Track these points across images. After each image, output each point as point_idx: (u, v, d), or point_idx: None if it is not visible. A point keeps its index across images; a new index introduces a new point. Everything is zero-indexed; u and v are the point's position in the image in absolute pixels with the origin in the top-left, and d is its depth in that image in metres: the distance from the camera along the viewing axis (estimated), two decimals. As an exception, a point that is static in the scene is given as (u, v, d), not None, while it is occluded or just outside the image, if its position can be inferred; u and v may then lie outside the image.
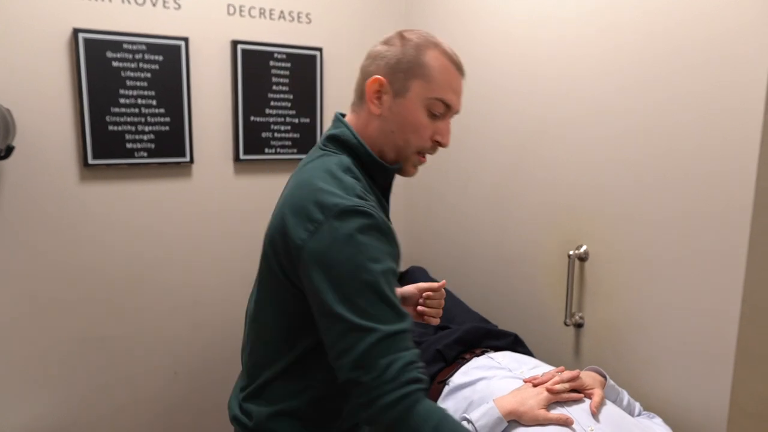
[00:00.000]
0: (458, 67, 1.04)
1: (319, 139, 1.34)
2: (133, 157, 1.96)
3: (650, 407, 1.46)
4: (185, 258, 2.09)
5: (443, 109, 1.02)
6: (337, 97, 2.32)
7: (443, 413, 0.87)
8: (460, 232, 2.21)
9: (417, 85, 0.98)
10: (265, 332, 1.05)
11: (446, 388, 1.45)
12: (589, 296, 1.67)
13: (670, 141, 1.41)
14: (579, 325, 1.70)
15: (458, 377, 1.44)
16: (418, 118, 1.00)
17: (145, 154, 1.98)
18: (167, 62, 1.96)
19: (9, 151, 1.68)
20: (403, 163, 1.05)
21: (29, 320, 1.85)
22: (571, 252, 1.66)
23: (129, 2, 1.89)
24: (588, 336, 1.69)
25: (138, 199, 2.00)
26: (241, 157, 2.14)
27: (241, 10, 2.08)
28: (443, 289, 1.26)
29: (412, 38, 1.00)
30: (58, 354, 1.92)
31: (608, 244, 1.60)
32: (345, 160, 0.99)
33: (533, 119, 1.83)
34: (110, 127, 1.91)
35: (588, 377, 1.31)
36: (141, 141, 1.97)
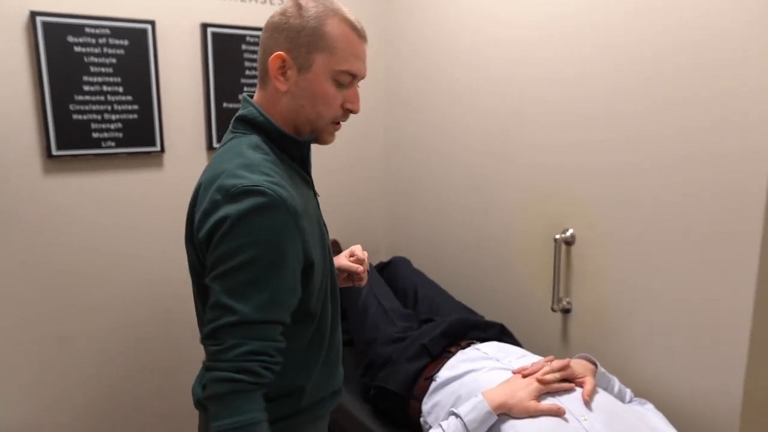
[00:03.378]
0: (360, 34, 1.02)
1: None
2: (100, 147, 1.86)
3: (641, 393, 1.43)
4: (158, 252, 2.01)
5: (350, 79, 1.01)
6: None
7: (257, 420, 0.86)
8: (443, 221, 2.16)
9: (321, 58, 0.97)
10: None
11: (433, 384, 1.41)
12: (576, 281, 1.64)
13: (663, 118, 1.37)
14: (567, 311, 1.67)
15: (445, 372, 1.40)
16: (326, 90, 0.98)
17: (113, 144, 1.88)
18: (133, 47, 1.86)
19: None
20: (319, 133, 1.04)
21: (-6, 321, 1.76)
22: (557, 236, 1.62)
23: (90, -17, 1.78)
24: (576, 321, 1.66)
25: (106, 191, 1.91)
26: (215, 145, 2.06)
27: (211, -11, 1.99)
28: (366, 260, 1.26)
29: (310, 7, 0.97)
30: (27, 354, 1.83)
31: (595, 227, 1.56)
32: (254, 139, 0.98)
33: (515, 101, 1.77)
34: (74, 116, 1.81)
35: (578, 365, 1.28)
36: (108, 130, 1.87)
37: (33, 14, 1.70)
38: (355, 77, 1.01)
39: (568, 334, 1.69)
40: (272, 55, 0.96)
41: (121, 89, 1.87)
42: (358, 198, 2.45)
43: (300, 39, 0.96)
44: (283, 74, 0.97)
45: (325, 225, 1.09)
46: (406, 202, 2.37)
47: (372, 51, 2.34)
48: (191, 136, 2.03)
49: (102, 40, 1.81)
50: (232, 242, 0.86)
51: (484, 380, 1.28)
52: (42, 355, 1.85)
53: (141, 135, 1.92)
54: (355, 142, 2.38)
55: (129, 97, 1.88)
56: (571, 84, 1.58)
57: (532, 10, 1.67)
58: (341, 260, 1.23)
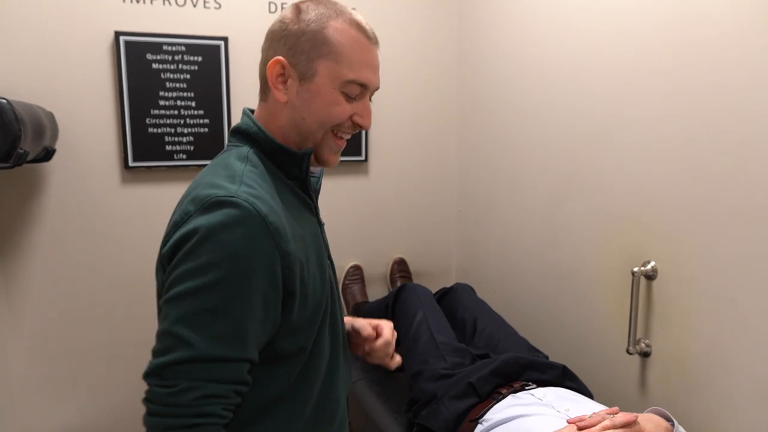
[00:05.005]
0: (370, 38, 0.89)
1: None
2: (172, 159, 1.93)
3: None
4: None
5: (359, 90, 0.88)
6: (385, 97, 2.20)
7: None
8: (511, 247, 2.01)
9: (324, 66, 0.85)
10: None
11: (479, 428, 1.27)
12: (657, 321, 1.44)
13: (757, 140, 1.16)
14: (645, 354, 1.47)
15: (492, 415, 1.26)
16: (332, 103, 0.87)
17: (184, 156, 1.94)
18: (206, 62, 1.92)
19: (49, 154, 1.68)
20: (318, 147, 0.91)
21: (66, 321, 1.85)
22: (635, 269, 1.43)
23: (169, 3, 1.86)
24: (655, 367, 1.45)
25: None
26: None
27: (283, 6, 2.01)
28: (389, 337, 1.08)
29: (310, 10, 0.87)
30: (92, 356, 1.91)
31: (681, 260, 1.36)
32: (244, 150, 0.88)
33: (593, 118, 1.61)
34: (150, 130, 1.89)
35: (649, 422, 1.09)
36: (180, 143, 1.93)
37: (117, 34, 1.79)
38: (365, 88, 0.89)
39: (645, 381, 1.48)
40: (270, 61, 0.86)
41: (193, 103, 1.93)
42: (427, 219, 2.35)
43: (300, 45, 0.85)
44: (283, 83, 0.87)
45: (331, 259, 0.98)
46: (477, 226, 2.24)
47: (444, 67, 2.29)
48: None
49: (177, 57, 1.88)
50: (196, 260, 0.74)
51: (533, 427, 1.13)
52: (116, 357, 1.92)
53: (211, 148, 1.96)
54: (427, 161, 2.30)
55: (200, 111, 1.94)
56: (654, 99, 1.40)
57: (614, 17, 1.51)
58: (360, 323, 1.09)
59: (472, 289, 1.90)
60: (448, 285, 1.96)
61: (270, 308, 0.78)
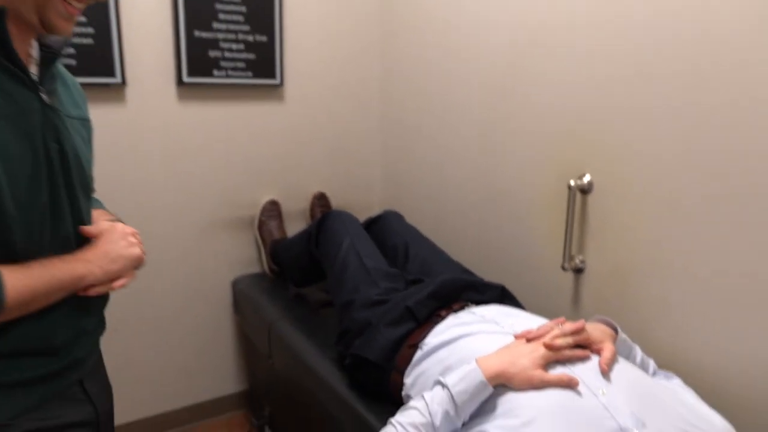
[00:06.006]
0: None
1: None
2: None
3: (666, 366, 1.20)
4: (120, 203, 1.78)
5: None
6: (301, 11, 1.98)
7: None
8: (440, 170, 1.92)
9: None
10: None
11: (418, 353, 1.18)
12: (592, 236, 1.40)
13: (702, 46, 1.11)
14: (579, 270, 1.44)
15: (433, 338, 1.17)
16: None
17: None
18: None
19: None
20: (43, 10, 0.77)
21: None
22: (572, 182, 1.38)
23: None
24: (590, 282, 1.43)
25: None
26: (185, 80, 1.81)
27: None
28: None
29: None
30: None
31: (617, 173, 1.32)
32: None
33: (524, 33, 1.52)
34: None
35: (595, 330, 1.04)
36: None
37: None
38: None
39: (580, 296, 1.46)
40: None
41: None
42: (349, 149, 2.21)
43: None
44: None
45: (66, 152, 0.84)
46: (403, 153, 2.13)
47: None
48: (157, 69, 1.79)
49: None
50: None
51: (480, 346, 1.05)
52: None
53: (96, 63, 1.67)
54: (348, 86, 2.14)
55: (81, 18, 1.63)
56: (591, 7, 1.32)
57: None
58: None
59: (402, 216, 1.79)
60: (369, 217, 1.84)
61: None
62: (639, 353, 1.14)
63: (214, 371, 2.10)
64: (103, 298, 0.96)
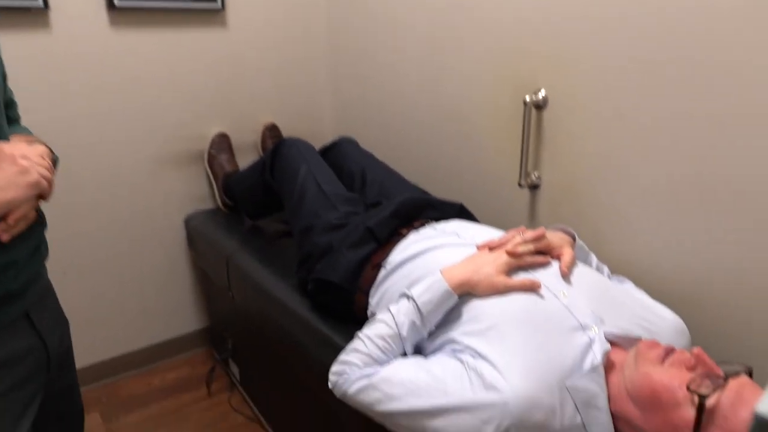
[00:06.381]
0: None
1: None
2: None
3: (617, 272, 1.25)
4: (53, 144, 1.67)
5: None
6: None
7: None
8: (392, 94, 1.88)
9: None
10: None
11: (383, 272, 1.18)
12: (547, 151, 1.41)
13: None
14: (535, 187, 1.46)
15: (396, 255, 1.17)
16: None
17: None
18: None
19: None
20: None
21: None
22: (527, 98, 1.37)
23: None
24: (545, 198, 1.45)
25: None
26: (117, 3, 1.67)
27: None
28: None
29: None
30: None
31: (570, 87, 1.32)
32: None
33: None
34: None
35: (554, 237, 1.07)
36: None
37: None
38: None
39: (536, 212, 1.48)
40: None
41: None
42: (298, 76, 2.12)
43: None
44: None
45: None
46: (353, 79, 2.07)
47: None
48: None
49: None
50: None
51: (443, 258, 1.06)
52: None
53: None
54: (292, 11, 2.03)
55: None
56: None
57: None
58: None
59: (357, 143, 1.76)
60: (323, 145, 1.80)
61: None
62: (594, 259, 1.18)
63: (172, 310, 2.07)
64: (30, 227, 0.84)
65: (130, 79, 1.77)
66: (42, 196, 0.83)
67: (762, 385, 0.76)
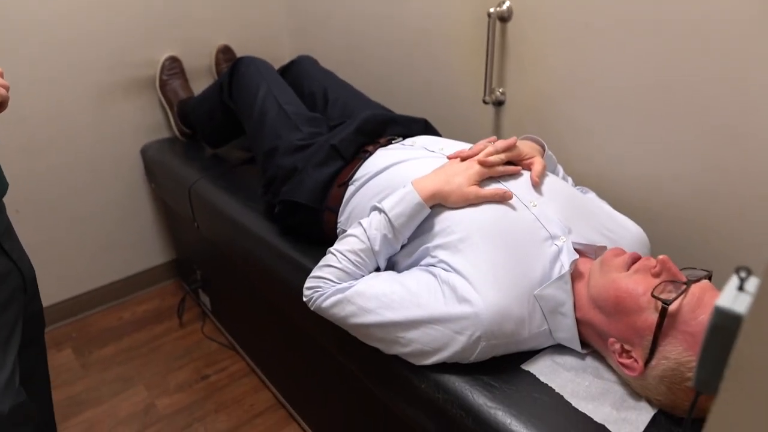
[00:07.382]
0: None
1: None
2: None
3: (581, 183, 1.28)
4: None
5: None
6: None
7: None
8: (350, 12, 1.79)
9: None
10: None
11: (350, 188, 1.16)
12: (511, 67, 1.39)
13: None
14: (500, 103, 1.44)
15: (363, 171, 1.15)
16: None
17: None
18: None
19: None
20: None
21: None
22: (491, 10, 1.33)
23: None
24: (510, 114, 1.44)
25: None
26: None
27: None
28: None
29: None
30: None
31: (536, -3, 1.28)
32: None
33: None
34: None
35: (525, 146, 1.07)
36: None
37: None
38: None
39: (501, 129, 1.48)
40: None
41: None
42: (249, -4, 2.00)
43: None
44: None
45: None
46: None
47: None
48: None
49: None
50: None
51: (413, 171, 1.05)
52: None
53: None
54: None
55: None
56: None
57: None
58: None
59: (316, 61, 1.69)
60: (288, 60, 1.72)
61: None
62: (561, 170, 1.20)
63: (136, 244, 2.03)
64: None
65: (64, 2, 1.63)
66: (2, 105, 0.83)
67: (721, 289, 0.79)
